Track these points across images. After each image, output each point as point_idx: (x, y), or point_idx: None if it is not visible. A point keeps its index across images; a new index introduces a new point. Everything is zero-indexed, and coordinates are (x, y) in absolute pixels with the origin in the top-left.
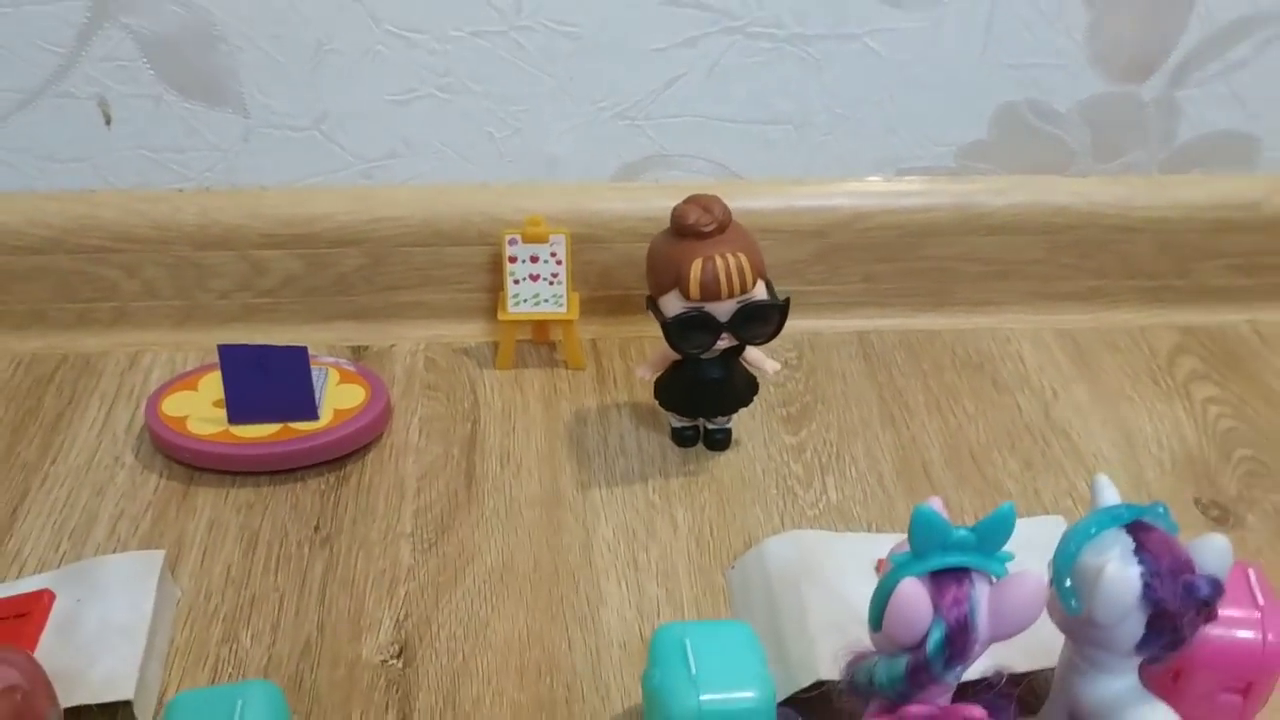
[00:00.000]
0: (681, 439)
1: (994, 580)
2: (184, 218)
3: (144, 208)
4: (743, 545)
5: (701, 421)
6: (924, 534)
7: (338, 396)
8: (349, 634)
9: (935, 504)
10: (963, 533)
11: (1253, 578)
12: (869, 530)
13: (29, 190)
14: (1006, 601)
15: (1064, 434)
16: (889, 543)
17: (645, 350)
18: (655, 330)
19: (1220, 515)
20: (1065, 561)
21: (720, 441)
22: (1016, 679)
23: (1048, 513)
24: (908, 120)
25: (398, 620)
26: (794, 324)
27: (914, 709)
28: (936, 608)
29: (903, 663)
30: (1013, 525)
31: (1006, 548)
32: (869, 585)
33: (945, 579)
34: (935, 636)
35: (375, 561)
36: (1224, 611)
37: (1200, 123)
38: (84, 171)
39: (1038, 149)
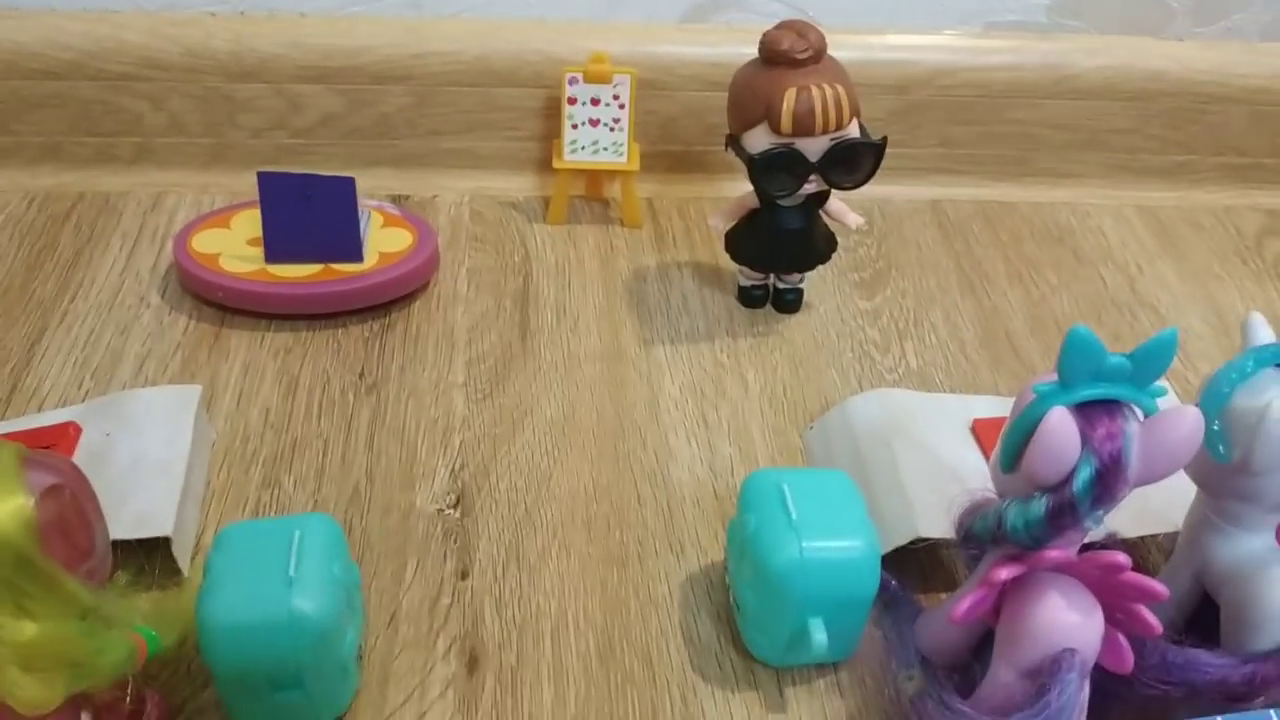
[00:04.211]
0: (750, 298)
1: (1144, 416)
2: (216, 44)
3: (173, 31)
4: (819, 407)
5: (772, 280)
6: (1077, 358)
7: (382, 240)
8: (401, 482)
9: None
10: (1118, 360)
11: None
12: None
13: (48, 7)
14: (1160, 440)
15: (1152, 309)
16: (982, 404)
17: (705, 212)
18: (718, 191)
19: None
20: (1215, 404)
21: (791, 302)
22: (1128, 543)
23: None
24: None
25: (453, 470)
26: (865, 189)
27: (1054, 554)
28: (1086, 441)
29: (1042, 504)
30: (1173, 354)
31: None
32: (964, 446)
33: (1096, 411)
34: (1084, 473)
35: (426, 410)
36: None
37: None
38: None
39: (1136, 7)
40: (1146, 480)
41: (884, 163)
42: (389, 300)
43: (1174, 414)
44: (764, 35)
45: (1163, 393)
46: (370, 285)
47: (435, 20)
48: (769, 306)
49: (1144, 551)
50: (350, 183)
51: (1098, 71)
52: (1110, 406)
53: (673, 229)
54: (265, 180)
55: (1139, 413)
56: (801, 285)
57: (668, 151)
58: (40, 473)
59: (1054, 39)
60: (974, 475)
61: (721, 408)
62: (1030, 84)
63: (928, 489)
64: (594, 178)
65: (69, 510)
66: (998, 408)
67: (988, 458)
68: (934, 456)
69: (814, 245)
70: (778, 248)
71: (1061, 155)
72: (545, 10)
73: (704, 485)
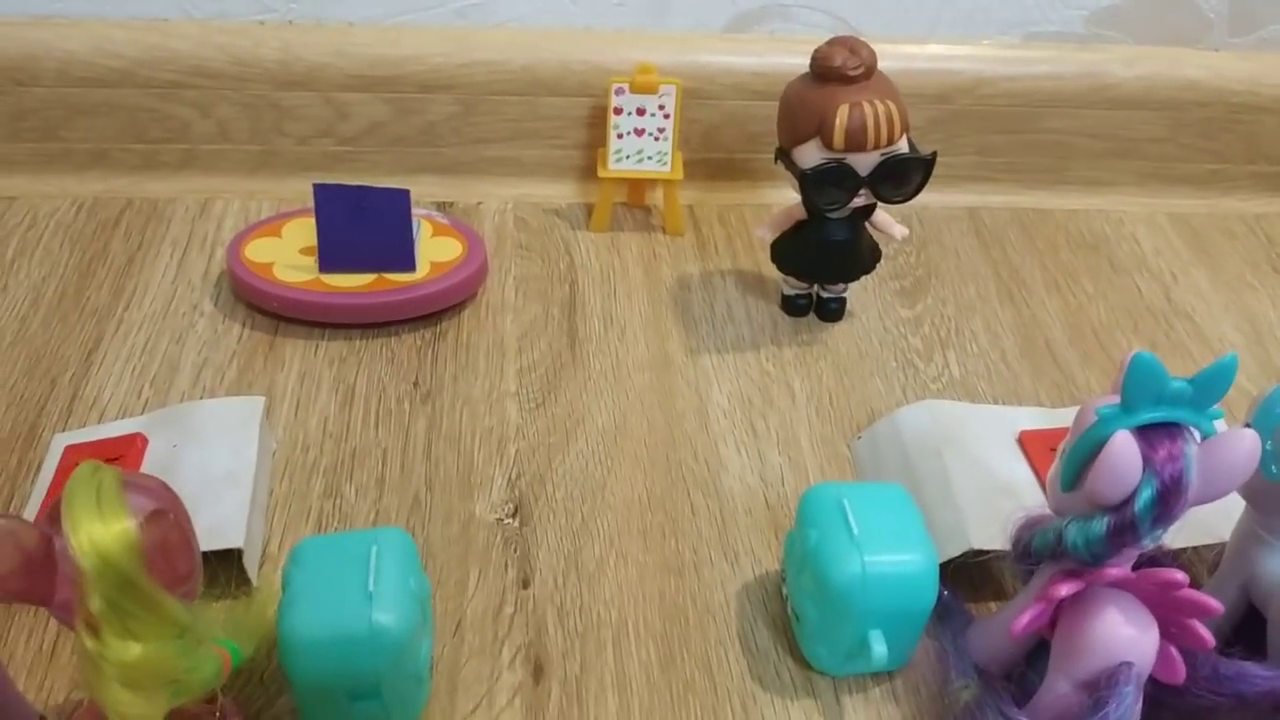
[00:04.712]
0: (794, 307)
1: (1202, 438)
2: (264, 53)
3: (222, 40)
4: (865, 416)
5: (815, 289)
6: (1140, 382)
7: (433, 249)
8: (460, 491)
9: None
10: (1179, 384)
11: None
12: (998, 404)
13: (97, 16)
14: (1218, 461)
15: (1186, 317)
16: (1027, 416)
17: (746, 220)
18: (759, 199)
19: None
20: (1268, 424)
21: (835, 311)
22: (1173, 554)
23: None
24: None
25: (510, 479)
26: None
27: (1113, 572)
28: (1148, 463)
29: (1103, 523)
30: (1231, 380)
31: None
32: (1012, 457)
33: (1157, 434)
34: (1146, 494)
35: (481, 419)
36: None
37: None
38: None
39: (1173, 17)
40: (1204, 500)
41: None
42: (441, 309)
43: (1232, 436)
44: (816, 51)
45: (1220, 415)
46: (424, 295)
47: (481, 30)
48: (812, 315)
49: (1188, 562)
50: (405, 195)
51: (1134, 81)
52: (1171, 429)
53: (714, 237)
54: (321, 192)
55: (1197, 435)
56: (845, 294)
57: (709, 159)
58: (142, 497)
59: (1092, 49)
60: (1023, 487)
61: (770, 417)
62: (1068, 93)
63: (978, 501)
64: (636, 185)
65: (171, 534)
66: (1042, 420)
67: (1035, 469)
68: (984, 468)
69: (859, 256)
70: (824, 259)
71: (1097, 164)
72: (590, 20)
73: (755, 494)
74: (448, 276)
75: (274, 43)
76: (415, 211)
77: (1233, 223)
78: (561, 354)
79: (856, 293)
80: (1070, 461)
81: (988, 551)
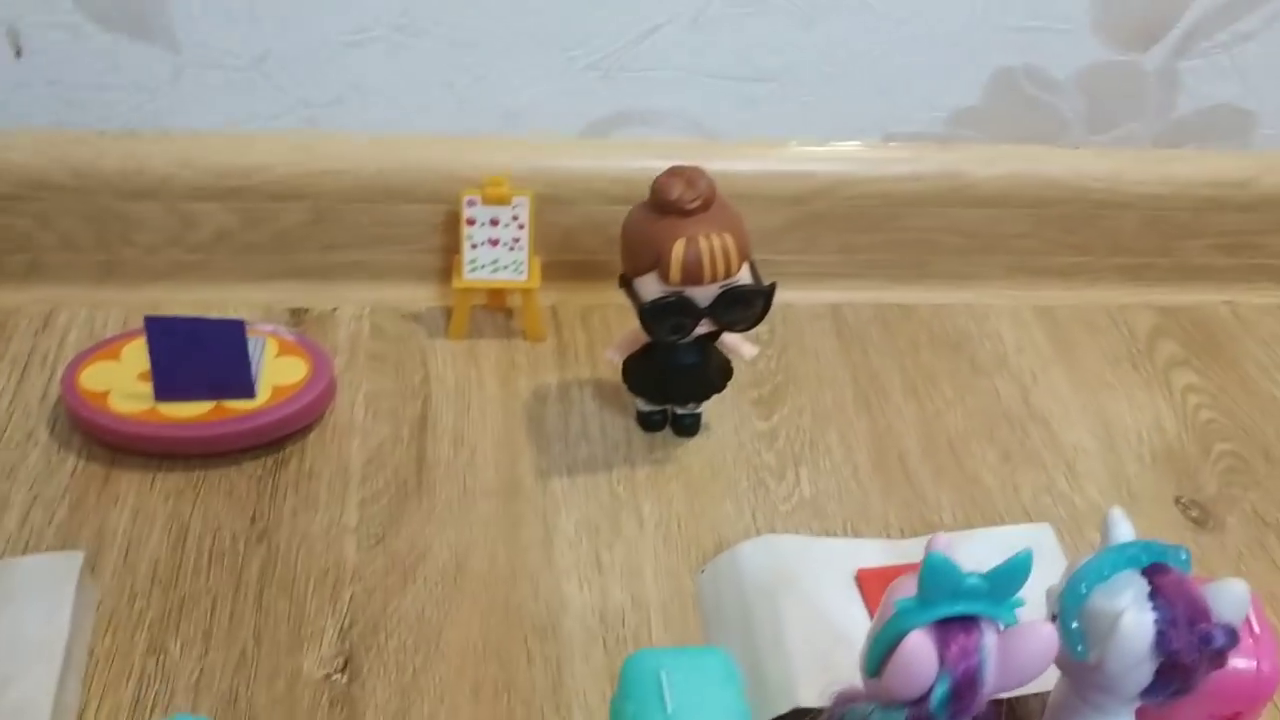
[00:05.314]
0: (648, 423)
1: (1002, 628)
2: (106, 164)
3: (60, 151)
4: (712, 543)
5: (670, 406)
6: (936, 580)
7: (277, 371)
8: (289, 644)
9: (942, 544)
10: (975, 580)
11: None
12: (845, 528)
13: None
14: (1016, 653)
15: (1043, 423)
16: (868, 550)
17: (609, 320)
18: (620, 299)
19: (1200, 516)
20: (1073, 603)
21: (689, 427)
22: (997, 703)
23: (1026, 511)
24: (900, 82)
25: (342, 628)
26: None
27: None
28: (942, 659)
29: (901, 716)
30: (1027, 574)
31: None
32: (848, 599)
33: (953, 627)
34: (940, 691)
35: (317, 560)
36: None
37: (1199, 95)
38: None
39: (1031, 118)
40: (1005, 689)
41: (784, 269)
42: (284, 436)
43: (1029, 629)
44: (654, 181)
45: (1020, 604)
46: (262, 425)
47: (331, 137)
48: (668, 429)
49: (1027, 710)
50: (240, 326)
51: (995, 180)
52: (967, 622)
53: (576, 341)
54: (153, 325)
55: (999, 624)
56: (699, 411)
57: (570, 260)
58: None
59: (952, 148)
60: (857, 634)
61: (616, 547)
62: (930, 193)
63: (810, 652)
64: (497, 290)
65: None
66: (883, 554)
67: (870, 610)
68: (819, 613)
69: (708, 378)
70: (672, 381)
71: (961, 259)
72: (443, 127)
73: (594, 638)
74: (290, 402)
75: (115, 153)
76: (260, 328)
77: (1096, 314)
78: (407, 481)
79: (715, 402)
80: (873, 650)
81: (815, 711)
